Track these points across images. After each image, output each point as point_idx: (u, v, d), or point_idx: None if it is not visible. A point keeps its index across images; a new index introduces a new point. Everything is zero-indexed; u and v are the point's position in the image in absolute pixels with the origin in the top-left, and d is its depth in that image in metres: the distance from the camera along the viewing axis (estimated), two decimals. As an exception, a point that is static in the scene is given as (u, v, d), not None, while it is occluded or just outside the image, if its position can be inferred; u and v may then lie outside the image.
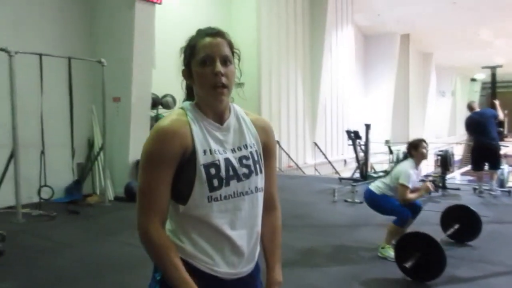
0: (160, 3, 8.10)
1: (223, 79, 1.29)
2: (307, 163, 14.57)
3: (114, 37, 7.86)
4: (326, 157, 15.16)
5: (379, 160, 14.41)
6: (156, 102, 9.11)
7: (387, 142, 12.15)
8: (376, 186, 4.54)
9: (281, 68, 13.35)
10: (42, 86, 6.41)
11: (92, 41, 8.09)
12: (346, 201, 7.50)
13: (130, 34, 7.60)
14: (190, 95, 1.46)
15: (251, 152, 1.38)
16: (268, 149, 1.48)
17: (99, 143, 7.85)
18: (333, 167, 15.12)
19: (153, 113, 9.26)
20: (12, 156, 6.07)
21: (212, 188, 1.28)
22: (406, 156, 4.53)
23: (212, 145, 1.31)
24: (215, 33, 1.35)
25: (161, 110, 9.43)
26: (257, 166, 1.39)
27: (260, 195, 1.41)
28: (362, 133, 10.07)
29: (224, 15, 12.26)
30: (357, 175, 10.68)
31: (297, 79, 14.27)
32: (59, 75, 7.01)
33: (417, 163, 4.38)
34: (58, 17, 7.69)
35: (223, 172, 1.29)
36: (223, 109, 1.37)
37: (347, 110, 17.88)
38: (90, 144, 8.10)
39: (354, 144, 10.31)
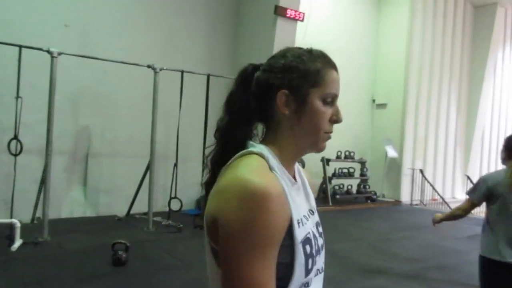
0: (302, 20, 7.87)
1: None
2: (456, 198, 12.77)
3: (254, 55, 7.87)
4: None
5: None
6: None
7: None
8: None
9: (431, 89, 12.03)
10: (181, 101, 6.65)
11: (233, 59, 8.26)
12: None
13: (270, 51, 7.51)
14: (244, 131, 1.03)
15: (318, 216, 1.12)
16: None
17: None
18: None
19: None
20: (149, 167, 6.38)
21: (307, 272, 0.95)
22: None
23: (300, 211, 0.98)
24: (336, 67, 1.09)
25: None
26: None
27: None
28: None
29: (371, 31, 11.57)
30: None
31: (450, 102, 12.70)
32: (199, 92, 7.24)
33: None
34: (204, 38, 8.04)
35: (314, 248, 0.98)
36: None
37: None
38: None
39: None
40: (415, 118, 11.64)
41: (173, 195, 6.72)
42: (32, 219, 6.08)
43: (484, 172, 14.16)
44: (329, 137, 1.05)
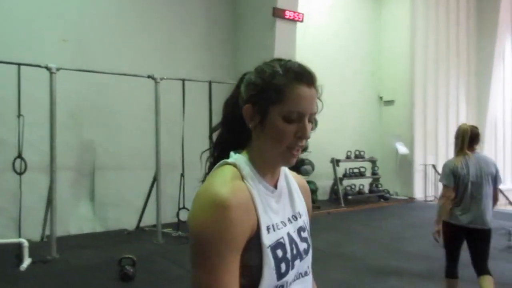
0: (301, 21, 7.78)
1: (304, 142, 1.05)
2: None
3: (255, 58, 7.72)
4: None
5: None
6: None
7: None
8: None
9: (438, 81, 11.83)
10: (184, 110, 6.59)
11: (235, 64, 8.20)
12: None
13: (271, 54, 7.43)
14: (237, 138, 1.11)
15: (304, 221, 1.16)
16: (309, 215, 1.24)
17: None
18: (507, 198, 12.68)
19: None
20: (155, 178, 6.32)
21: (280, 276, 1.00)
22: None
23: (272, 218, 1.04)
24: (311, 81, 1.04)
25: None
26: (310, 237, 1.17)
27: (311, 273, 1.17)
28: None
29: (373, 27, 11.44)
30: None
31: (458, 93, 12.47)
32: (202, 99, 7.18)
33: None
34: (204, 44, 8.00)
35: (288, 252, 1.04)
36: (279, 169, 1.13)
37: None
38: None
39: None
40: (424, 113, 11.44)
41: (181, 205, 6.65)
42: (42, 237, 6.06)
43: (500, 164, 13.87)
44: (296, 152, 1.04)
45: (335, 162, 9.85)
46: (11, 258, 5.09)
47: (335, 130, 10.12)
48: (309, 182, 9.20)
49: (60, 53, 6.41)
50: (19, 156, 5.52)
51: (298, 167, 8.94)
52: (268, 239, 0.99)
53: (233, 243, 0.93)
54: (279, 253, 1.01)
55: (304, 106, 1.02)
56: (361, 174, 10.40)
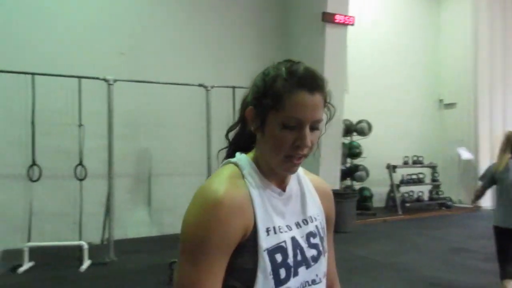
0: (352, 25, 7.62)
1: (305, 150, 0.98)
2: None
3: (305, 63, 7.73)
4: None
5: None
6: (350, 129, 8.63)
7: None
8: None
9: (507, 81, 11.00)
10: (234, 117, 6.68)
11: (284, 70, 8.19)
12: None
13: (320, 59, 7.36)
14: (244, 141, 1.11)
15: (316, 227, 1.09)
16: (330, 220, 1.18)
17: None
18: None
19: (346, 140, 8.79)
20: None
21: (278, 282, 0.96)
22: None
23: (275, 220, 0.99)
24: (315, 86, 0.97)
25: (355, 137, 8.87)
26: (324, 244, 1.09)
27: (325, 282, 1.10)
28: None
29: (431, 27, 10.93)
30: None
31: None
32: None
33: None
34: (254, 51, 8.07)
35: (291, 258, 0.98)
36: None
37: None
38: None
39: None
40: (490, 116, 10.70)
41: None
42: (102, 240, 6.39)
43: None
44: (297, 161, 0.98)
45: (391, 168, 9.50)
46: (73, 260, 5.42)
47: (391, 135, 9.78)
48: (363, 189, 8.96)
49: (117, 66, 6.76)
50: (80, 163, 5.88)
51: (352, 173, 8.74)
52: (266, 242, 0.95)
53: (220, 243, 0.91)
54: (278, 257, 0.96)
55: (304, 114, 0.96)
56: (419, 181, 9.94)
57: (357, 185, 8.95)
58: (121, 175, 6.47)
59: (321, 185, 1.18)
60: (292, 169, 1.00)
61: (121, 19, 7.12)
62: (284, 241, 0.98)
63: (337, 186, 7.79)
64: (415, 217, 8.97)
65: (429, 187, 10.18)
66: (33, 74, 5.38)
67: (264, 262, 0.94)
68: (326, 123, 1.06)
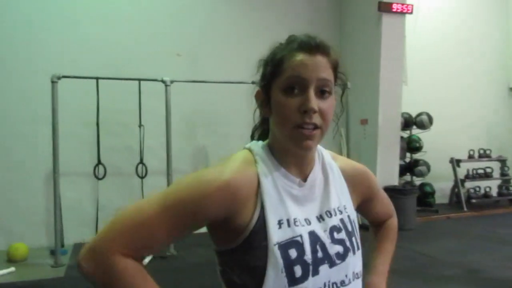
0: (411, 13, 7.30)
1: (315, 118, 0.89)
2: None
3: (360, 56, 7.54)
4: None
5: None
6: (409, 122, 8.31)
7: None
8: None
9: None
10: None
11: (340, 63, 8.02)
12: None
13: (377, 50, 7.13)
14: (263, 129, 1.09)
15: (342, 220, 0.98)
16: (368, 197, 1.13)
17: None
18: None
19: (405, 134, 8.47)
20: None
21: (293, 281, 0.86)
22: None
23: (290, 212, 0.91)
24: (314, 46, 0.92)
25: (415, 131, 8.52)
26: (353, 240, 0.98)
27: (359, 284, 0.99)
28: None
29: (500, 12, 10.20)
30: None
31: None
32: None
33: None
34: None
35: (308, 255, 0.89)
36: (309, 158, 0.98)
37: None
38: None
39: None
40: None
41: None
42: (163, 235, 6.65)
43: None
44: (308, 132, 0.90)
45: (455, 162, 9.01)
46: (137, 253, 5.69)
47: (455, 126, 9.27)
48: (424, 184, 8.60)
49: (174, 67, 6.97)
50: (141, 161, 6.15)
51: (412, 168, 8.41)
52: (277, 235, 0.87)
53: (191, 215, 0.87)
54: (292, 253, 0.88)
55: (304, 71, 0.89)
56: (487, 176, 9.34)
57: (417, 181, 8.60)
58: (179, 172, 6.66)
59: (351, 170, 1.09)
60: (304, 144, 0.91)
61: (178, 20, 7.31)
62: (300, 235, 0.90)
63: (395, 181, 7.53)
64: (482, 214, 8.47)
65: (497, 182, 9.55)
66: (97, 78, 5.68)
67: (275, 257, 0.86)
68: (342, 96, 1.01)
